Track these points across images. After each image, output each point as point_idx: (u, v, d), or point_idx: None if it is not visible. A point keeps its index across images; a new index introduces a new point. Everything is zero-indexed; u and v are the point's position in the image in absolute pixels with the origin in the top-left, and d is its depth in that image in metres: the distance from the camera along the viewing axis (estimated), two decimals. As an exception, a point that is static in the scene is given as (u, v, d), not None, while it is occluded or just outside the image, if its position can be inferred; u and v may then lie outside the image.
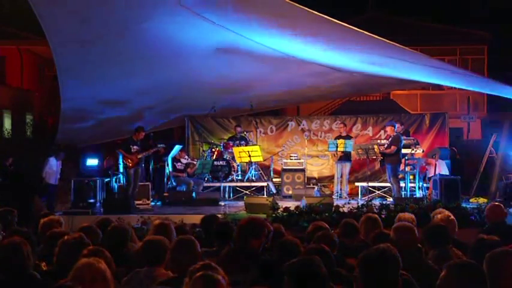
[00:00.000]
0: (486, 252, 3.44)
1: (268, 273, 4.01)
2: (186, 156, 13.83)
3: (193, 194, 12.38)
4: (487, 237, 4.20)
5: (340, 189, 13.16)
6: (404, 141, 12.29)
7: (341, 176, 13.24)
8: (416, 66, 11.17)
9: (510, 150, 13.41)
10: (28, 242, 4.09)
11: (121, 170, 12.11)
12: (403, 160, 12.24)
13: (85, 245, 4.28)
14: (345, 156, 13.07)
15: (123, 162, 11.80)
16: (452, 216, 5.61)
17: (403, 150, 12.26)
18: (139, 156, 11.72)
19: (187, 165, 13.54)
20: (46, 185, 12.96)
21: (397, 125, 12.81)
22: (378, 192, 13.15)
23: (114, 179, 12.79)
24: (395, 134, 12.16)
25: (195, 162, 13.59)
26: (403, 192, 12.24)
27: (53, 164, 13.08)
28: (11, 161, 11.00)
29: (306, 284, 3.20)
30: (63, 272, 3.79)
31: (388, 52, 10.16)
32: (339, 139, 13.06)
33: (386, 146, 12.12)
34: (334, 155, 13.32)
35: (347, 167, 13.19)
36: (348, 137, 13.27)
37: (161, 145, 12.30)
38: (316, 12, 8.06)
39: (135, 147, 11.72)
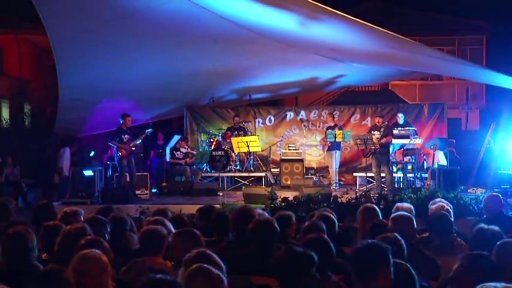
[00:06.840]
0: (486, 242, 3.45)
1: (267, 262, 4.01)
2: (186, 146, 13.78)
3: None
4: (487, 227, 4.21)
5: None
6: (402, 132, 12.30)
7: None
8: (415, 56, 11.14)
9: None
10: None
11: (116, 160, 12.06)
12: (401, 150, 12.26)
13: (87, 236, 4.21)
14: (333, 145, 12.91)
15: (117, 152, 11.78)
16: (447, 206, 5.63)
17: (402, 141, 12.26)
18: (131, 144, 11.70)
19: (186, 154, 13.52)
20: (63, 177, 12.99)
21: (399, 114, 12.81)
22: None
23: (112, 169, 12.78)
24: (385, 124, 12.22)
25: (194, 152, 13.57)
26: (400, 183, 12.26)
27: (68, 155, 13.12)
28: None
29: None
30: (63, 263, 3.78)
31: (386, 42, 10.12)
32: (328, 130, 12.99)
33: (381, 136, 12.02)
34: (324, 146, 13.26)
35: (334, 156, 13.00)
36: (334, 127, 13.10)
37: (149, 130, 12.21)
38: (315, 2, 8.04)
39: (126, 136, 11.71)
